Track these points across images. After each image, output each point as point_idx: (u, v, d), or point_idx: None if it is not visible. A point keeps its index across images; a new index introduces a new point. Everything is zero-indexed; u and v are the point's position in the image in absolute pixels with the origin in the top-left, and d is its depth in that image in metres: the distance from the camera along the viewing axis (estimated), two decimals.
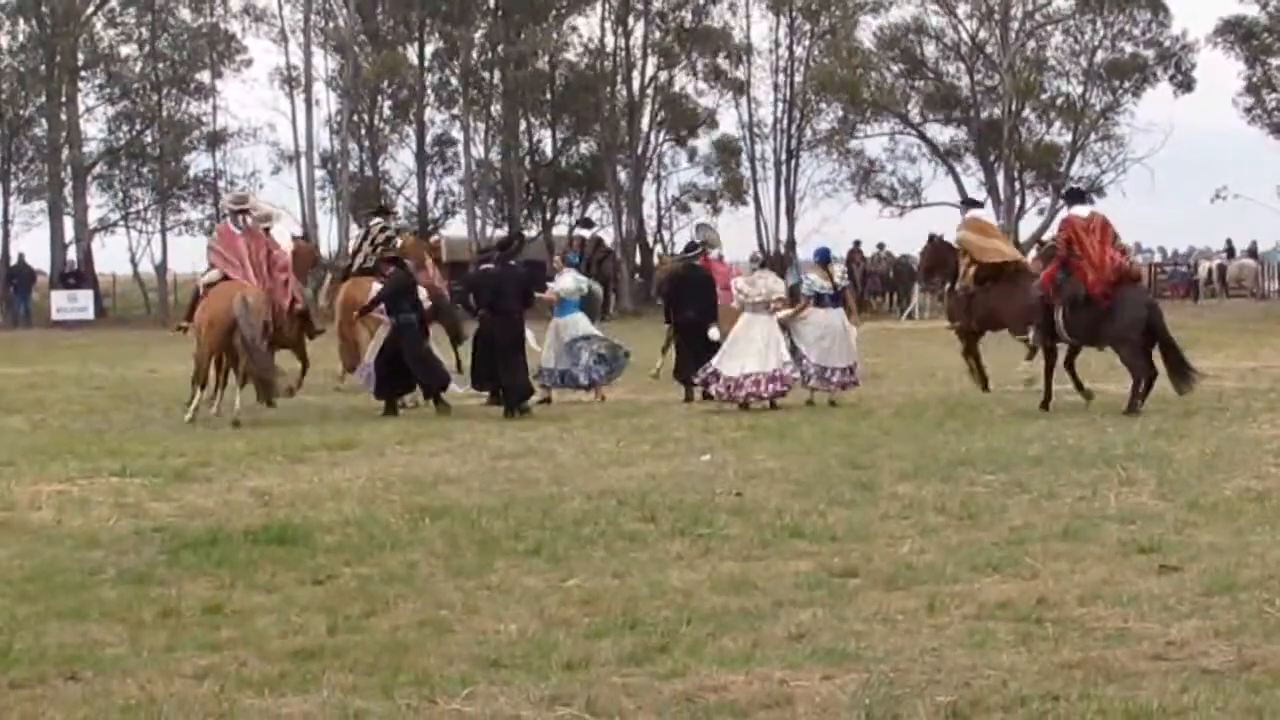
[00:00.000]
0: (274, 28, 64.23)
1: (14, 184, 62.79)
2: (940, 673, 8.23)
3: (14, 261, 60.70)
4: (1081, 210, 22.44)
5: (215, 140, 64.48)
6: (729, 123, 69.19)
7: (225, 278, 22.07)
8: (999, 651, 8.63)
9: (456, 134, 66.50)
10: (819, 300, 23.24)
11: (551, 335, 24.04)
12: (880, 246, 61.95)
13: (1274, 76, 65.52)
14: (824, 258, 24.19)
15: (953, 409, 21.46)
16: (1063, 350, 22.33)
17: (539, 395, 23.22)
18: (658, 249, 63.77)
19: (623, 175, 65.85)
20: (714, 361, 22.63)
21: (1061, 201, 29.17)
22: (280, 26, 64.06)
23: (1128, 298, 21.59)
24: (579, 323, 24.24)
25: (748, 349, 22.52)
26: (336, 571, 11.02)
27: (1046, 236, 25.31)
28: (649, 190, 67.59)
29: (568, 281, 24.70)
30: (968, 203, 29.26)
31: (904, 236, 70.64)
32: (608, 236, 64.34)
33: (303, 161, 62.91)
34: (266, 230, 23.68)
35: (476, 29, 63.90)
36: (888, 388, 24.86)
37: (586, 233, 41.15)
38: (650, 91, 66.23)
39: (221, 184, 64.73)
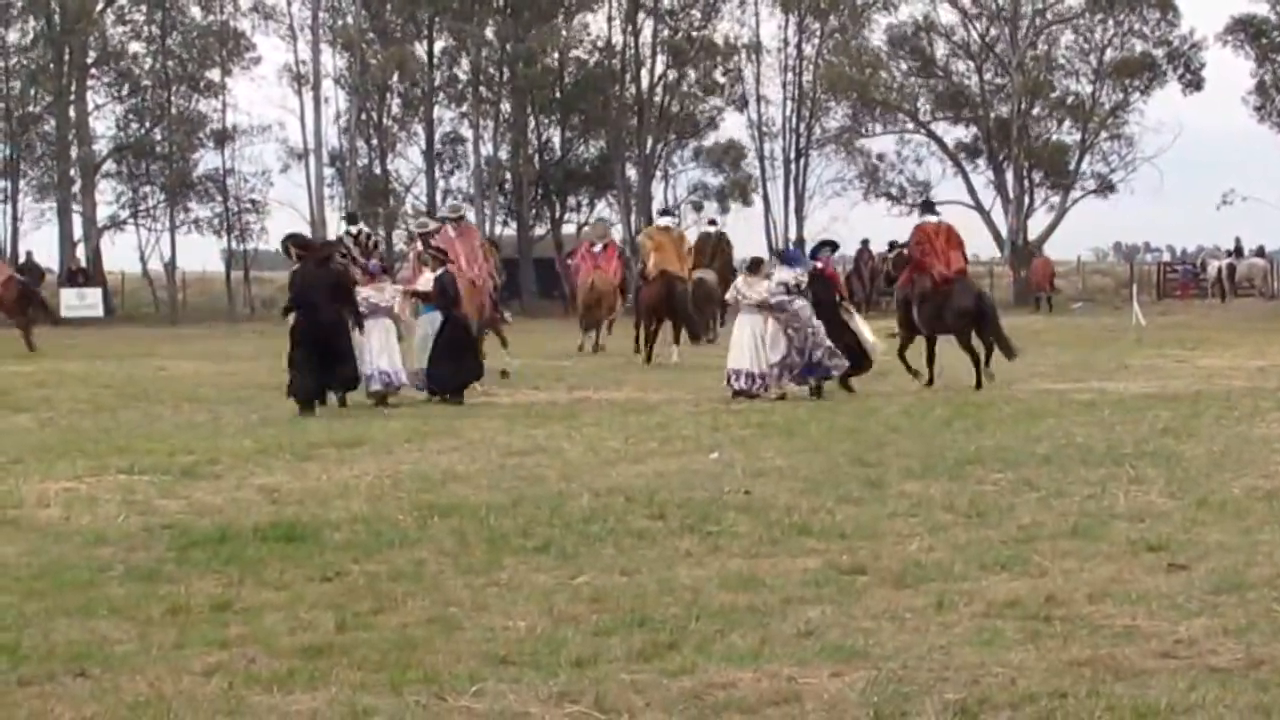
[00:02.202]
0: (283, 25, 64.37)
1: (23, 181, 62.87)
2: (948, 670, 8.23)
3: (22, 259, 60.76)
4: (931, 218, 27.11)
5: (224, 138, 64.57)
6: (737, 122, 69.41)
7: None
8: (1007, 649, 8.62)
9: (465, 132, 66.66)
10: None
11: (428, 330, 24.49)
12: (892, 244, 61.59)
13: None
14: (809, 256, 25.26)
15: (961, 407, 21.45)
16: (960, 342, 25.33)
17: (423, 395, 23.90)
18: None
19: (631, 173, 65.91)
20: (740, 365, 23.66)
21: (916, 210, 35.79)
22: (289, 24, 64.18)
23: (957, 291, 25.30)
24: (435, 320, 24.34)
25: (741, 347, 23.61)
26: (345, 569, 11.02)
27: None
28: (657, 188, 67.73)
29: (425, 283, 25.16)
30: (663, 212, 39.15)
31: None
32: (617, 234, 64.64)
33: (311, 159, 62.98)
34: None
35: (485, 26, 63.94)
36: (896, 385, 24.83)
37: (712, 229, 44.30)
38: (659, 90, 66.29)
39: (231, 182, 64.91)
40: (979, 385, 24.50)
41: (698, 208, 67.98)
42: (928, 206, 29.47)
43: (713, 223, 47.93)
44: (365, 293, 23.62)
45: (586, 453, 17.21)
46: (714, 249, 40.21)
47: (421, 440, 18.44)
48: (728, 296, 24.57)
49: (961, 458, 16.14)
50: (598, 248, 35.69)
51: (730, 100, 67.42)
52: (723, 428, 19.45)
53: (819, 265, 24.94)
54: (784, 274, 24.06)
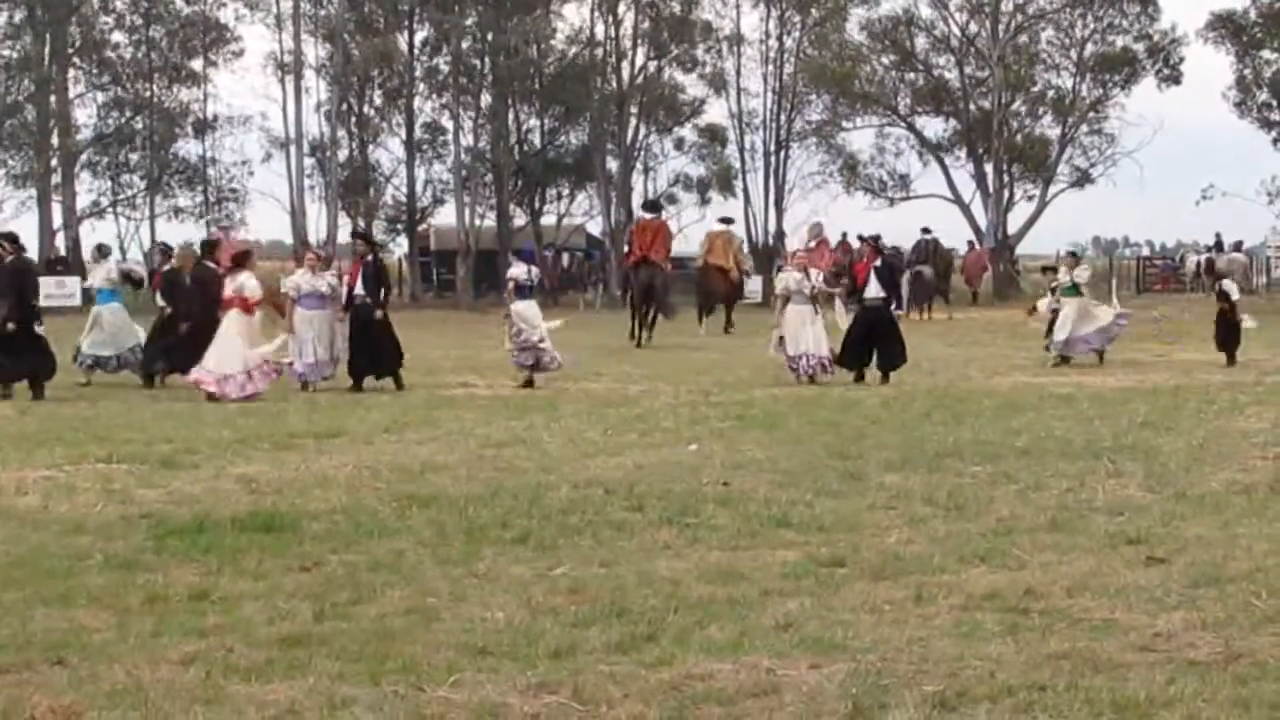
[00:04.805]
0: (268, 14, 64.09)
1: (2, 170, 62.62)
2: (927, 663, 8.23)
3: None
4: (647, 215, 40.19)
5: (205, 128, 64.40)
6: (718, 113, 69.26)
7: None
8: (986, 642, 8.63)
9: (446, 122, 66.45)
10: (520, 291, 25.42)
11: (119, 321, 25.65)
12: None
13: (1263, 71, 65.63)
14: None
15: (940, 399, 21.49)
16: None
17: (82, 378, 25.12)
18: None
19: (612, 165, 65.79)
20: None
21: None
22: (275, 11, 63.88)
23: (640, 274, 36.98)
24: (119, 311, 25.76)
25: (797, 335, 25.34)
26: (323, 559, 11.01)
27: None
28: (637, 180, 67.63)
29: (105, 271, 26.54)
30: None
31: (893, 228, 70.75)
32: (596, 227, 64.80)
33: (292, 149, 62.77)
34: None
35: (466, 17, 63.78)
36: (875, 377, 24.88)
37: (928, 236, 54.23)
38: (640, 81, 66.16)
39: (211, 172, 64.78)
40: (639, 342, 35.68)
41: (673, 199, 67.97)
42: (650, 206, 42.47)
43: (928, 230, 55.14)
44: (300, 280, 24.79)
45: (565, 444, 17.21)
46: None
47: (401, 431, 18.44)
48: (778, 289, 26.11)
49: (940, 450, 16.16)
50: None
51: (708, 78, 67.18)
52: (702, 420, 19.46)
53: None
54: (516, 270, 25.08)
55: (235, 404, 21.64)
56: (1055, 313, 29.17)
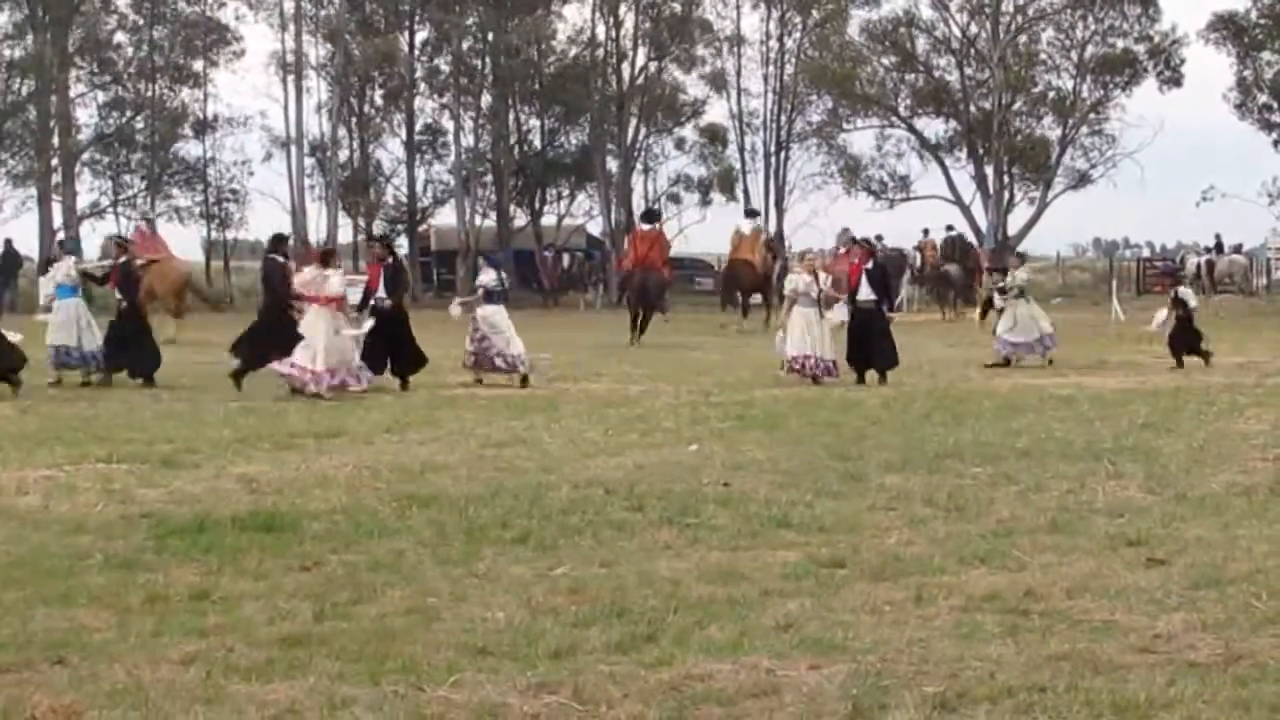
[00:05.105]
0: (271, 13, 64.08)
1: (2, 170, 62.58)
2: (927, 663, 8.23)
3: (1, 248, 60.42)
4: (645, 225, 41.69)
5: (205, 128, 64.39)
6: (719, 113, 69.30)
7: None
8: (986, 643, 8.63)
9: (447, 122, 66.50)
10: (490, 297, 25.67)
11: (64, 316, 25.59)
12: (879, 238, 61.64)
13: (1264, 72, 65.61)
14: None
15: (940, 400, 21.49)
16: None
17: (52, 376, 25.12)
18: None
19: (612, 165, 65.80)
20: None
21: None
22: (279, 11, 63.87)
23: (635, 277, 38.15)
24: (68, 308, 25.68)
25: (798, 336, 25.39)
26: (324, 559, 11.00)
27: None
28: (638, 180, 67.67)
29: (65, 268, 26.70)
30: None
31: (894, 229, 70.77)
32: (596, 227, 64.75)
33: (292, 149, 62.78)
34: None
35: (467, 17, 63.81)
36: (874, 378, 24.88)
37: (952, 234, 54.87)
38: (640, 81, 66.18)
39: (211, 171, 64.80)
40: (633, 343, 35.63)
41: (675, 199, 68.03)
42: (647, 216, 44.41)
43: (951, 228, 56.33)
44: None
45: (566, 444, 17.21)
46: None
47: (401, 431, 18.44)
48: (786, 290, 26.19)
49: (941, 452, 16.16)
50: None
51: (708, 78, 67.19)
52: (702, 420, 19.46)
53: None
54: (485, 276, 25.27)
55: (237, 403, 21.63)
56: (1000, 312, 29.44)
